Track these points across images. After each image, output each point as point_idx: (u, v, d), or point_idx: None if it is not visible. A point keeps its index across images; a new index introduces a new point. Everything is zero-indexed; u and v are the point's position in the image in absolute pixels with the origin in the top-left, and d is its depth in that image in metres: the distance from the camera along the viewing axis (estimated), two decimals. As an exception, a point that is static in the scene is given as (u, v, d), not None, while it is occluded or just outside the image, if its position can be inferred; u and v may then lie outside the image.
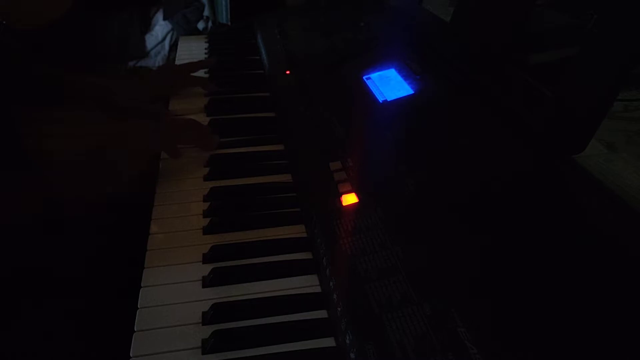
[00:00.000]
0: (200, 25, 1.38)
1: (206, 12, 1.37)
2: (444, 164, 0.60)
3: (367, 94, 0.77)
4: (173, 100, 0.97)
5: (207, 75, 1.05)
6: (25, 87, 0.80)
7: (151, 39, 1.35)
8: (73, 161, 0.67)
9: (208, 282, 0.57)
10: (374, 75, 0.80)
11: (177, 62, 1.14)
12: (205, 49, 1.20)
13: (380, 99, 0.74)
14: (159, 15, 1.35)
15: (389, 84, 0.77)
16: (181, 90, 0.99)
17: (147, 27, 1.36)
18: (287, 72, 0.95)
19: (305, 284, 0.57)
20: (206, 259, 0.60)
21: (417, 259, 0.50)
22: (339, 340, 0.49)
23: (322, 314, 0.53)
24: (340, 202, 0.61)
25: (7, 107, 0.59)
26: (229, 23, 1.33)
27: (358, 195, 0.61)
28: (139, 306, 0.54)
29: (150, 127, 0.77)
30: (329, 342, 0.50)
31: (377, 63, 0.83)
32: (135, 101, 0.90)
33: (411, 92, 0.73)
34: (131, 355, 0.49)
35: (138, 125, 0.77)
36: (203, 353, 0.49)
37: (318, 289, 0.56)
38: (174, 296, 0.55)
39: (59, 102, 0.83)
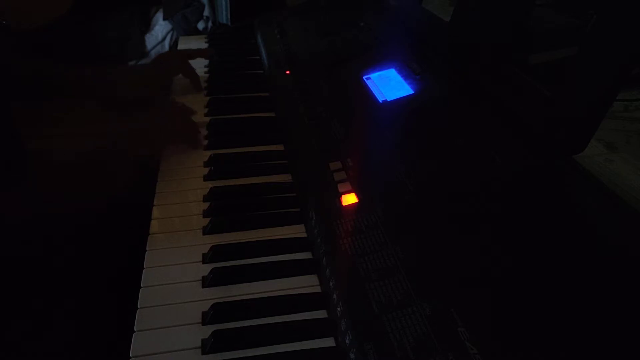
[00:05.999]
0: (200, 25, 1.38)
1: (206, 12, 1.37)
2: (444, 164, 0.60)
3: (367, 94, 0.77)
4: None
5: (206, 75, 1.05)
6: (23, 85, 0.80)
7: (151, 39, 1.35)
8: (73, 161, 0.67)
9: (208, 282, 0.56)
10: (374, 75, 0.80)
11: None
12: (205, 49, 1.20)
13: (380, 99, 0.74)
14: (159, 15, 1.35)
15: (389, 84, 0.77)
16: (176, 75, 0.99)
17: (147, 27, 1.35)
18: (287, 72, 0.95)
19: (305, 284, 0.57)
20: (206, 259, 0.60)
21: (417, 259, 0.50)
22: (338, 340, 0.49)
23: (322, 314, 0.53)
24: (340, 202, 0.61)
25: (7, 106, 0.59)
26: (229, 23, 1.33)
27: (358, 195, 0.61)
28: (139, 306, 0.54)
29: (152, 126, 0.77)
30: (329, 342, 0.50)
31: (377, 63, 0.83)
32: (138, 92, 0.89)
33: (411, 92, 0.73)
34: (131, 355, 0.49)
35: (140, 124, 0.77)
36: (203, 353, 0.49)
37: (318, 289, 0.56)
38: (173, 296, 0.55)
39: (57, 96, 0.83)
